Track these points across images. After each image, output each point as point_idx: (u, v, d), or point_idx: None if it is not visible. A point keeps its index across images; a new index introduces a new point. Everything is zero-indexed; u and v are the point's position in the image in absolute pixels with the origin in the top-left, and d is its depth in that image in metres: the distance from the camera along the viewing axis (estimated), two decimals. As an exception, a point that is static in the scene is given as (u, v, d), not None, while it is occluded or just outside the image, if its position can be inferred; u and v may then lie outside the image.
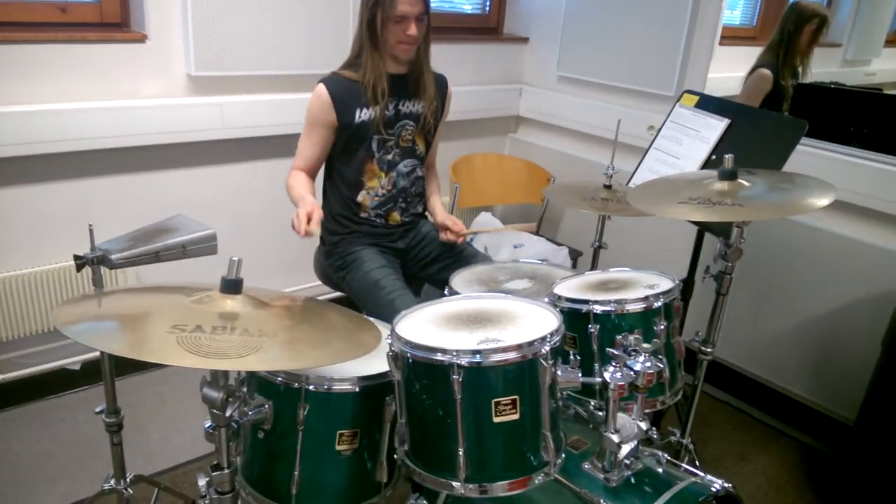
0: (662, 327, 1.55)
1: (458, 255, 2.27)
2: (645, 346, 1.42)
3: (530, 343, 1.28)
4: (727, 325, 2.81)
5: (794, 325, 2.61)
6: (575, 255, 2.99)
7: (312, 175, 2.13)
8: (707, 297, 1.95)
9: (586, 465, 1.47)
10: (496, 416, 1.28)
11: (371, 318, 1.48)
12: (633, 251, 3.12)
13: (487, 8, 3.51)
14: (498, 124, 3.57)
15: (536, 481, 1.33)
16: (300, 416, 1.43)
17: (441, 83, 2.22)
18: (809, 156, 2.46)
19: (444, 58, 3.21)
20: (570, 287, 1.69)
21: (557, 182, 2.24)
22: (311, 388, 1.43)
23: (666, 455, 1.52)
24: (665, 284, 1.65)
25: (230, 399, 1.26)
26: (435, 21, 3.20)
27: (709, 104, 2.29)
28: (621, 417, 1.50)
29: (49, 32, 2.23)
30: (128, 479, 1.66)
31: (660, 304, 1.55)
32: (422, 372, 1.31)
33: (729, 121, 2.17)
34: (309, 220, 1.80)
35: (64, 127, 2.26)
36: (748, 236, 2.10)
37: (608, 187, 2.15)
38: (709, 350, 1.88)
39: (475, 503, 1.45)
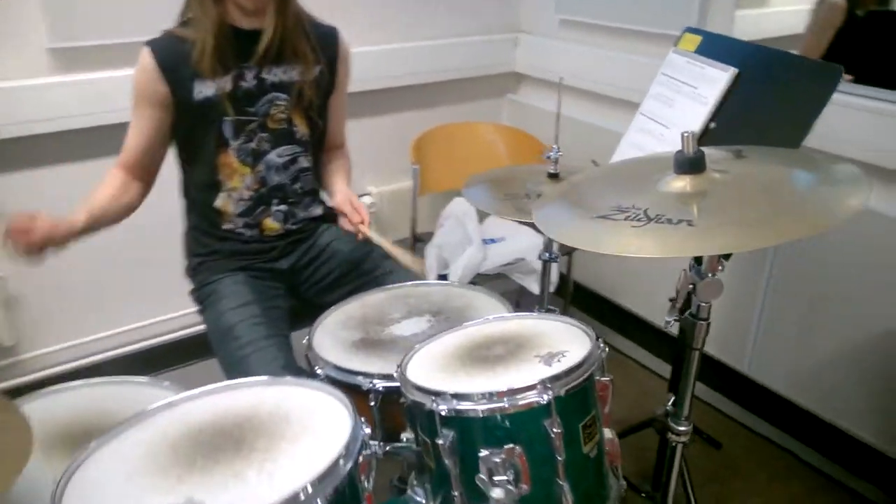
0: (556, 433, 0.93)
1: (370, 274, 1.69)
2: (495, 493, 0.83)
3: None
4: (765, 343, 2.12)
5: (853, 343, 1.89)
6: (567, 251, 2.34)
7: (142, 177, 1.57)
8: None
9: None
10: None
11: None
12: (621, 268, 2.48)
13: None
14: (490, 85, 2.90)
15: None
16: None
17: (328, 39, 1.62)
18: (883, 116, 1.71)
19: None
20: (435, 359, 1.09)
21: (481, 174, 1.61)
22: None
23: None
24: (576, 352, 1.02)
25: None
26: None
27: (714, 48, 1.58)
28: None
29: None
30: None
31: (548, 398, 0.92)
32: None
33: (736, 70, 1.46)
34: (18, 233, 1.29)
35: None
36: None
37: (553, 176, 1.50)
38: (682, 429, 1.24)
39: None
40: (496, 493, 0.86)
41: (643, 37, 2.33)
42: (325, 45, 1.60)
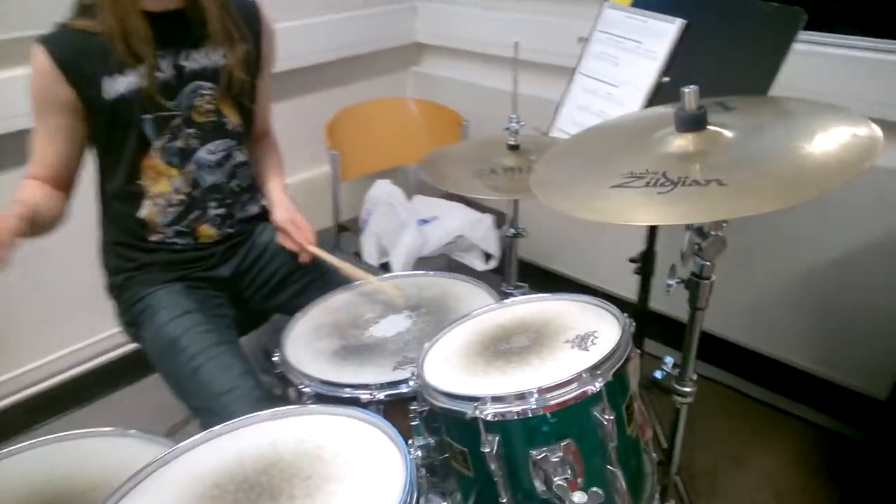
0: (609, 419, 0.87)
1: (319, 271, 1.56)
2: (577, 498, 0.75)
3: None
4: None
5: (787, 277, 1.97)
6: (504, 222, 2.29)
7: (62, 187, 1.36)
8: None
9: None
10: None
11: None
12: (564, 235, 2.43)
13: None
14: (393, 58, 2.78)
15: None
16: None
17: (249, 13, 1.46)
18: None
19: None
20: (451, 359, 1.00)
21: (431, 154, 1.50)
22: None
23: None
24: (607, 332, 0.96)
25: None
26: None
27: (652, 0, 1.55)
28: None
29: None
30: None
31: (599, 385, 0.86)
32: None
33: (684, 21, 1.44)
34: None
35: None
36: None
37: (514, 148, 1.43)
38: (688, 389, 1.22)
39: None
40: (578, 497, 0.79)
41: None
42: (247, 21, 1.43)
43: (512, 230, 1.52)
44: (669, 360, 1.25)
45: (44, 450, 0.99)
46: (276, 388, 1.69)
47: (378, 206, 2.19)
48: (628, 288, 1.82)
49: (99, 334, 2.15)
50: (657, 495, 1.02)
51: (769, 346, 2.08)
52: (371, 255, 2.08)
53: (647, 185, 0.91)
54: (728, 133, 0.99)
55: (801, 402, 2.06)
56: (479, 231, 2.17)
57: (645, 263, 1.74)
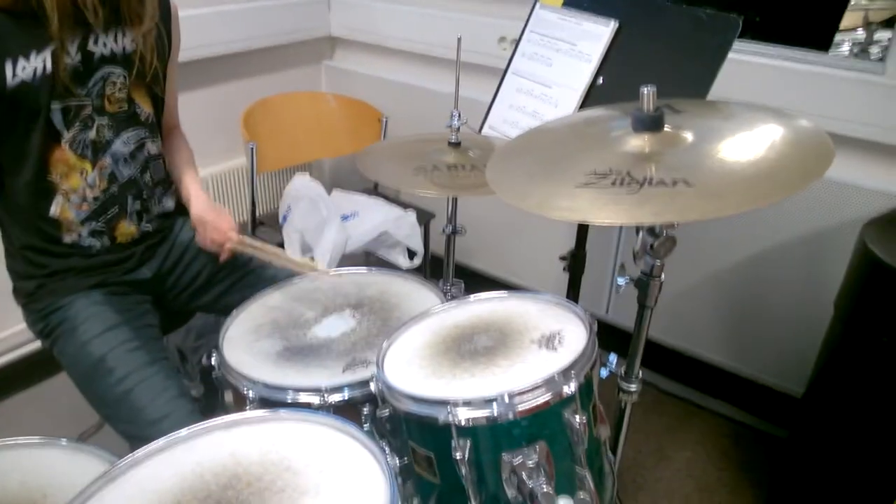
0: (581, 422, 0.86)
1: (247, 266, 1.49)
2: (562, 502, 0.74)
3: None
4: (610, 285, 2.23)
5: (703, 274, 2.05)
6: (426, 219, 2.27)
7: None
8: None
9: None
10: None
11: None
12: (500, 233, 2.45)
13: None
14: (305, 51, 2.69)
15: None
16: None
17: None
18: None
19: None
20: (413, 361, 0.96)
21: (375, 145, 1.47)
22: None
23: None
24: (572, 331, 0.96)
25: None
26: None
27: (584, 1, 1.57)
28: None
29: None
30: None
31: (572, 389, 0.85)
32: None
33: (617, 23, 1.47)
34: None
35: None
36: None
37: (455, 145, 1.41)
38: (633, 387, 1.24)
39: None
40: (564, 501, 0.78)
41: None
42: (158, 2, 1.33)
43: (449, 228, 1.50)
44: (613, 357, 1.26)
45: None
46: (193, 390, 1.60)
47: (299, 201, 2.10)
48: (559, 288, 1.84)
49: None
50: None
51: (688, 343, 2.14)
52: (294, 251, 2.00)
53: (613, 184, 0.91)
54: (686, 134, 1.01)
55: (720, 398, 2.14)
56: (404, 228, 2.13)
57: (575, 262, 1.76)
